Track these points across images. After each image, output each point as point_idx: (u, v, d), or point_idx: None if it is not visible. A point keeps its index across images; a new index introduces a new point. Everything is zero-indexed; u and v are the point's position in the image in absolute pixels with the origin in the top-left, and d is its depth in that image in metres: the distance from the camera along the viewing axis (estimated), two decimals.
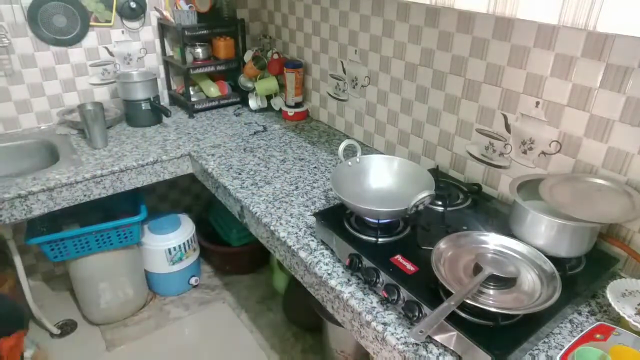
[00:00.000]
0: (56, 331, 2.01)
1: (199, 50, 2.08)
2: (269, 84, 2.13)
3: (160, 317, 2.11)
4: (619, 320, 0.93)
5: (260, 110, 2.20)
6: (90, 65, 1.99)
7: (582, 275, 1.02)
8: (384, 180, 1.28)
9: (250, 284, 2.30)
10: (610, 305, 0.92)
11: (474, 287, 0.87)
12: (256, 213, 1.36)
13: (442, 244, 1.00)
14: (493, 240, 1.03)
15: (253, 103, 2.18)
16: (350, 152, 1.34)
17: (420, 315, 0.93)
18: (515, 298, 0.89)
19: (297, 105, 2.10)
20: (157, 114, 1.99)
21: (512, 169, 1.30)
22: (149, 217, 1.98)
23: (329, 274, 1.10)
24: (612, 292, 0.95)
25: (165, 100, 2.25)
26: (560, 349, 0.86)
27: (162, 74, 2.19)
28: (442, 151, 1.51)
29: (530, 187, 1.10)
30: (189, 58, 2.06)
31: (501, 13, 0.75)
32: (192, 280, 2.21)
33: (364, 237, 1.11)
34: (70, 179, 1.55)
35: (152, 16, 2.06)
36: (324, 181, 1.54)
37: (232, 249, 2.25)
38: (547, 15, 0.69)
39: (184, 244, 2.08)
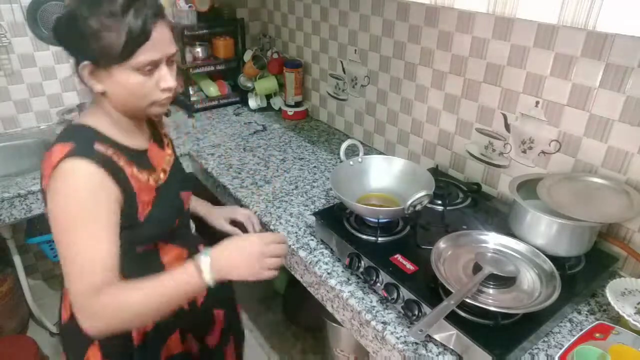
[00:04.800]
0: (56, 330, 2.01)
1: (198, 49, 2.08)
2: (268, 83, 2.13)
3: None
4: (618, 320, 0.93)
5: (260, 109, 2.20)
6: None
7: (582, 275, 1.02)
8: (383, 179, 1.28)
9: (250, 284, 2.30)
10: (609, 304, 0.92)
11: (474, 286, 0.87)
12: (256, 212, 1.36)
13: (441, 243, 1.00)
14: (493, 240, 1.03)
15: (253, 102, 2.18)
16: (350, 151, 1.34)
17: (420, 314, 0.93)
18: (515, 297, 0.89)
19: (297, 104, 2.10)
20: None
21: (511, 168, 1.30)
22: None
23: (328, 273, 1.10)
24: (612, 291, 0.95)
25: None
26: (560, 348, 0.86)
27: None
28: (441, 151, 1.51)
29: (529, 187, 1.10)
30: (189, 58, 2.06)
31: (501, 13, 0.75)
32: None
33: (364, 237, 1.11)
34: None
35: None
36: (324, 180, 1.54)
37: None
38: (546, 15, 0.69)
39: None
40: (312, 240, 1.22)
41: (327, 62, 1.92)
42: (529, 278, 0.94)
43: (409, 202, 1.03)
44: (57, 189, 0.78)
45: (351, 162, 1.28)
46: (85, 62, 0.81)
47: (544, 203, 1.00)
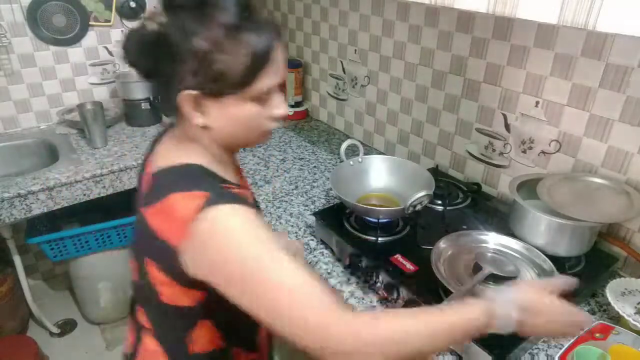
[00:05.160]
0: (56, 330, 2.01)
1: None
2: None
3: None
4: (618, 320, 0.93)
5: None
6: (89, 64, 1.99)
7: (582, 275, 1.02)
8: (383, 179, 1.28)
9: None
10: (609, 304, 0.92)
11: (474, 286, 0.87)
12: None
13: (441, 243, 1.00)
14: (493, 240, 1.03)
15: None
16: (350, 151, 1.34)
17: None
18: None
19: (297, 104, 2.10)
20: (156, 113, 1.98)
21: (511, 168, 1.30)
22: None
23: (328, 273, 1.10)
24: (612, 291, 0.95)
25: None
26: (560, 348, 0.86)
27: None
28: (441, 151, 1.51)
29: (529, 187, 1.10)
30: None
31: (501, 13, 0.75)
32: None
33: (364, 237, 1.11)
34: (70, 178, 1.54)
35: None
36: (324, 180, 1.54)
37: None
38: (546, 15, 0.69)
39: None
40: (312, 240, 1.22)
41: (327, 62, 1.92)
42: (529, 278, 0.94)
43: (409, 202, 1.03)
44: (219, 242, 0.62)
45: (351, 162, 1.28)
46: (189, 92, 0.65)
47: (544, 203, 1.00)
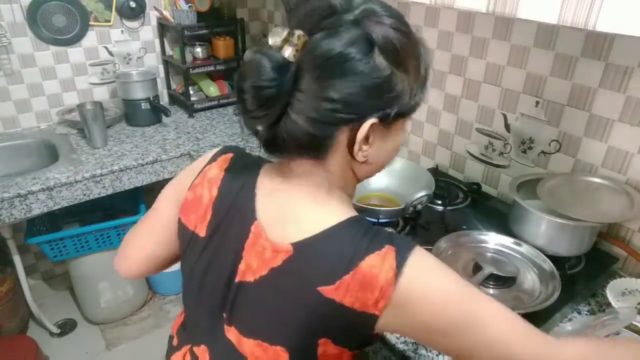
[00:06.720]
0: (56, 330, 2.01)
1: (198, 49, 2.08)
2: None
3: (160, 316, 2.11)
4: None
5: None
6: (89, 64, 1.99)
7: (582, 275, 1.02)
8: (383, 179, 1.28)
9: None
10: (609, 304, 0.92)
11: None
12: None
13: (441, 243, 1.00)
14: (492, 240, 1.03)
15: None
16: None
17: None
18: (515, 297, 0.89)
19: None
20: (156, 113, 1.98)
21: (511, 168, 1.30)
22: None
23: None
24: (612, 292, 0.95)
25: (164, 100, 2.24)
26: None
27: (162, 74, 2.19)
28: (441, 151, 1.51)
29: (529, 187, 1.10)
30: (189, 58, 2.06)
31: (501, 12, 0.75)
32: None
33: None
34: (70, 178, 1.54)
35: (152, 16, 2.06)
36: None
37: None
38: (546, 15, 0.69)
39: None
40: None
41: None
42: (529, 278, 0.94)
43: (409, 202, 1.03)
44: (423, 300, 0.57)
45: None
46: (372, 120, 0.56)
47: (544, 203, 1.00)
